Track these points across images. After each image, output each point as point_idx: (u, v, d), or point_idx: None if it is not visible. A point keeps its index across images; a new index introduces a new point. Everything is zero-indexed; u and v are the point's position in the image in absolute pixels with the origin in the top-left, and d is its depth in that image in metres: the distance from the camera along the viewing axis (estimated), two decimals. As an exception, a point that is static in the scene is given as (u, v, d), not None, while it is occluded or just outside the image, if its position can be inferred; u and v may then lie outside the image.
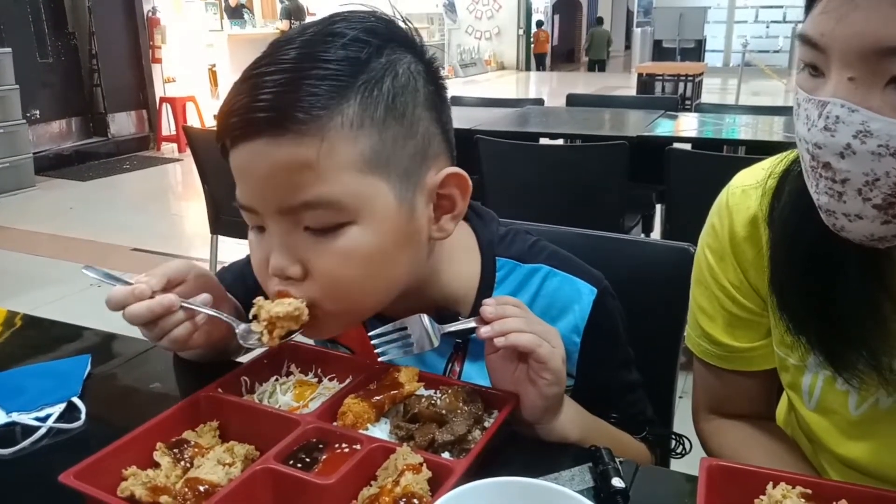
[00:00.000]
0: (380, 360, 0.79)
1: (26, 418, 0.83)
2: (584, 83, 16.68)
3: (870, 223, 0.62)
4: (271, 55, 0.70)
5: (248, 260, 0.99)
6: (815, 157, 0.63)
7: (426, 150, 0.75)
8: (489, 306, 0.75)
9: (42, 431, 0.81)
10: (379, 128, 0.70)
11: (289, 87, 0.67)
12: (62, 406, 0.85)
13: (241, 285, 0.97)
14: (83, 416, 0.83)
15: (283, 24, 9.03)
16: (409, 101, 0.72)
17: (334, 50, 0.69)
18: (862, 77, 0.59)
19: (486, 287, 0.87)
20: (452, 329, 0.79)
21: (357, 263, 0.72)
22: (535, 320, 0.76)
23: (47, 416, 0.83)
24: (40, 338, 1.09)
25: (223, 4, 9.24)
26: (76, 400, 0.86)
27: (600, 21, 19.58)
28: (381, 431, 0.74)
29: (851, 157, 0.60)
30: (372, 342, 0.79)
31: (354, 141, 0.69)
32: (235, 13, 9.65)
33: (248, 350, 0.95)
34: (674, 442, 1.03)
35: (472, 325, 0.76)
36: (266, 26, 10.13)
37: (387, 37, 0.73)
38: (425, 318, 0.78)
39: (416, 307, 0.80)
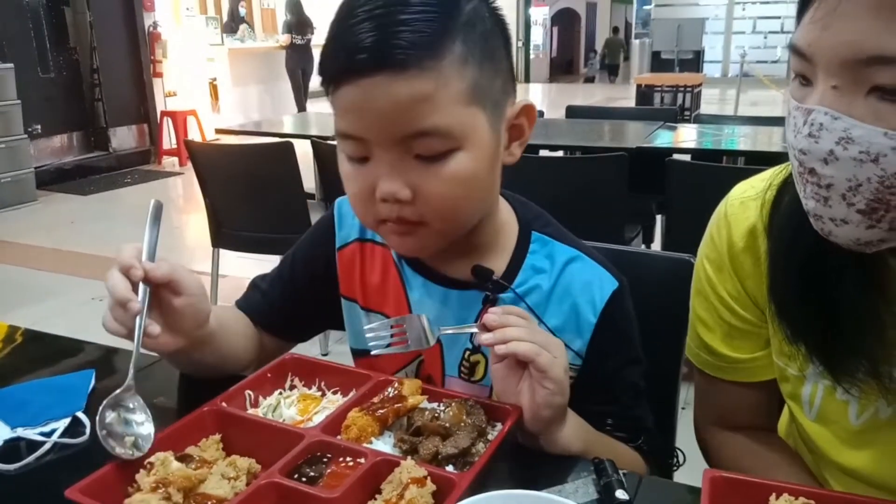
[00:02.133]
0: (373, 353, 0.83)
1: (31, 433, 0.83)
2: (584, 95, 16.74)
3: (855, 228, 0.63)
4: None
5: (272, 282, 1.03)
6: (801, 162, 0.64)
7: (506, 88, 0.83)
8: (493, 314, 0.77)
9: (47, 446, 0.81)
10: (478, 64, 0.77)
11: (401, 25, 0.73)
12: (67, 421, 0.85)
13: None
14: (87, 430, 0.83)
15: (285, 39, 9.07)
16: (496, 44, 0.80)
17: None
18: (845, 85, 0.60)
19: (521, 253, 0.92)
20: (451, 332, 0.83)
21: (461, 185, 0.78)
22: (538, 331, 0.77)
23: (52, 431, 0.83)
24: (43, 353, 1.10)
25: (223, 20, 9.28)
26: (81, 415, 0.86)
27: (616, 31, 20.29)
28: (385, 445, 0.74)
29: (835, 163, 0.61)
30: (367, 335, 0.83)
31: (461, 75, 0.75)
32: (233, 30, 9.71)
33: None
34: (680, 455, 1.03)
35: (474, 330, 0.78)
36: (266, 40, 10.17)
37: None
38: (424, 319, 0.81)
39: (464, 249, 0.88)
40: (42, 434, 0.83)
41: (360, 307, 0.98)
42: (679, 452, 1.02)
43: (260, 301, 1.02)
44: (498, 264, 0.90)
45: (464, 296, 0.90)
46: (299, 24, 9.07)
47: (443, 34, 0.74)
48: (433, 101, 0.74)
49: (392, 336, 0.82)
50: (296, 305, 1.01)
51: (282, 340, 1.04)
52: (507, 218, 0.94)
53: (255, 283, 1.05)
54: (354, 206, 0.85)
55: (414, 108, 0.73)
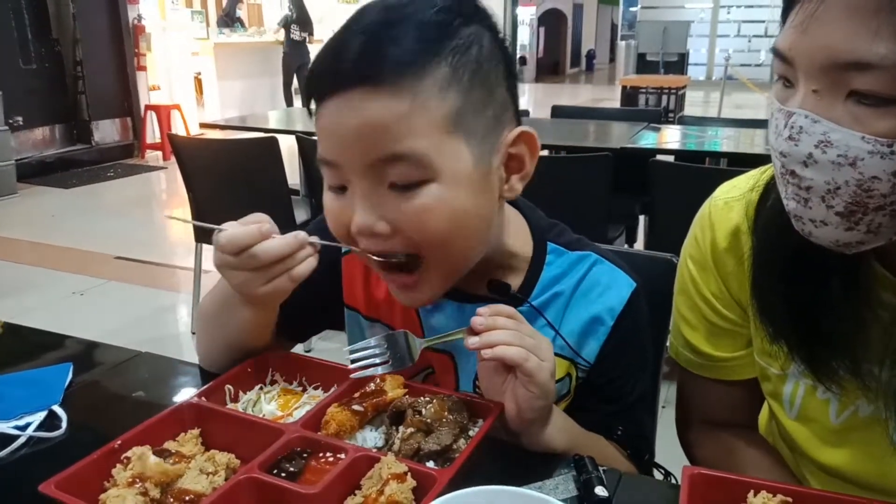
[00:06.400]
0: (352, 376, 0.80)
1: (5, 427, 0.82)
2: (569, 95, 16.82)
3: (834, 229, 0.64)
4: (362, 16, 0.73)
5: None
6: (783, 164, 0.65)
7: (502, 117, 0.78)
8: (480, 317, 0.75)
9: (22, 440, 0.80)
10: (465, 91, 0.73)
11: (385, 43, 0.70)
12: (43, 414, 0.84)
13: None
14: (64, 424, 0.82)
15: (276, 30, 9.06)
16: (492, 71, 0.76)
17: (426, 13, 0.72)
18: (824, 89, 0.60)
19: (537, 265, 0.90)
20: (436, 342, 0.80)
21: (440, 218, 0.74)
22: (527, 332, 0.76)
23: (27, 425, 0.82)
24: (21, 346, 1.08)
25: (208, 14, 9.23)
26: (57, 408, 0.85)
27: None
28: (369, 439, 0.74)
29: (814, 165, 0.62)
30: (349, 356, 0.80)
31: (443, 101, 0.72)
32: (228, 25, 9.67)
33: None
34: (660, 476, 1.03)
35: (461, 335, 0.76)
36: (252, 35, 10.11)
37: (473, 13, 0.77)
38: (410, 335, 0.80)
39: (479, 268, 0.83)
40: (17, 428, 0.81)
41: (362, 317, 0.96)
42: (672, 476, 1.02)
43: None
44: (514, 278, 0.88)
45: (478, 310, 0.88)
46: (301, 20, 9.04)
47: (426, 53, 0.71)
48: (408, 123, 0.70)
49: (374, 357, 0.79)
50: (297, 308, 0.94)
51: (281, 338, 0.98)
52: (518, 229, 0.91)
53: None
54: (338, 238, 0.81)
55: (387, 128, 0.70)
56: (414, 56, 0.70)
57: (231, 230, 0.76)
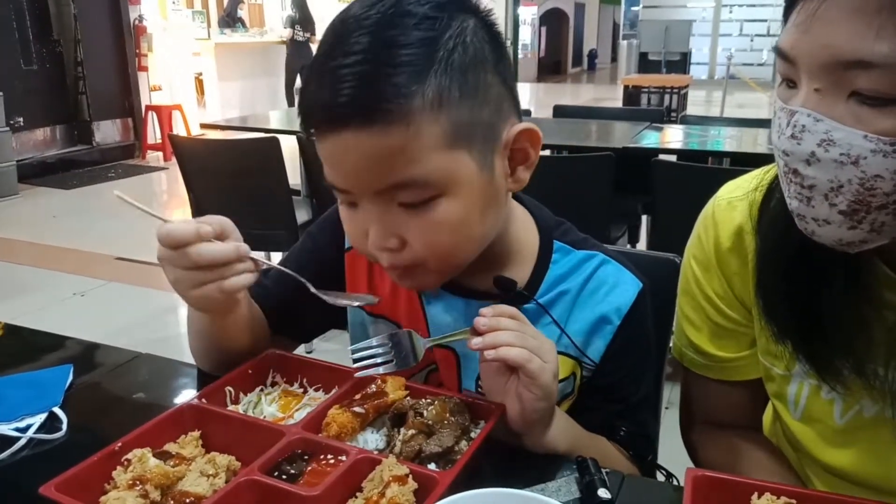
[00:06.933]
0: (357, 374, 0.80)
1: (6, 428, 0.81)
2: (571, 95, 16.83)
3: (837, 228, 0.63)
4: (343, 42, 0.70)
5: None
6: (785, 163, 0.65)
7: (499, 113, 0.76)
8: (483, 318, 0.75)
9: (22, 442, 0.79)
10: (456, 103, 0.71)
11: (370, 78, 0.68)
12: (43, 416, 0.84)
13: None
14: (64, 426, 0.82)
15: (287, 33, 9.06)
16: (480, 71, 0.73)
17: (407, 32, 0.69)
18: (826, 88, 0.60)
19: (543, 263, 0.89)
20: (441, 342, 0.80)
21: (450, 230, 0.75)
22: (531, 333, 0.75)
23: (28, 427, 0.82)
24: (21, 347, 1.08)
25: (209, 15, 9.23)
26: (57, 410, 0.85)
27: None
28: (370, 441, 0.74)
29: (816, 164, 0.62)
30: (353, 356, 0.81)
31: (436, 120, 0.70)
32: (229, 25, 9.68)
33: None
34: (662, 477, 1.03)
35: (464, 336, 0.76)
36: (254, 35, 10.11)
37: (450, 6, 0.73)
38: (414, 334, 0.80)
39: (483, 261, 0.83)
40: (17, 429, 0.81)
41: (366, 313, 0.96)
42: (674, 479, 1.02)
43: (263, 296, 0.96)
44: (520, 274, 0.88)
45: (484, 306, 0.86)
46: (303, 20, 9.05)
47: (412, 83, 0.68)
48: (405, 153, 0.70)
49: (378, 356, 0.79)
50: (301, 305, 0.93)
51: (283, 338, 0.99)
52: (525, 226, 0.91)
53: (259, 278, 1.00)
54: (356, 246, 0.83)
55: (385, 161, 0.70)
56: (401, 89, 0.68)
57: (172, 224, 0.76)
